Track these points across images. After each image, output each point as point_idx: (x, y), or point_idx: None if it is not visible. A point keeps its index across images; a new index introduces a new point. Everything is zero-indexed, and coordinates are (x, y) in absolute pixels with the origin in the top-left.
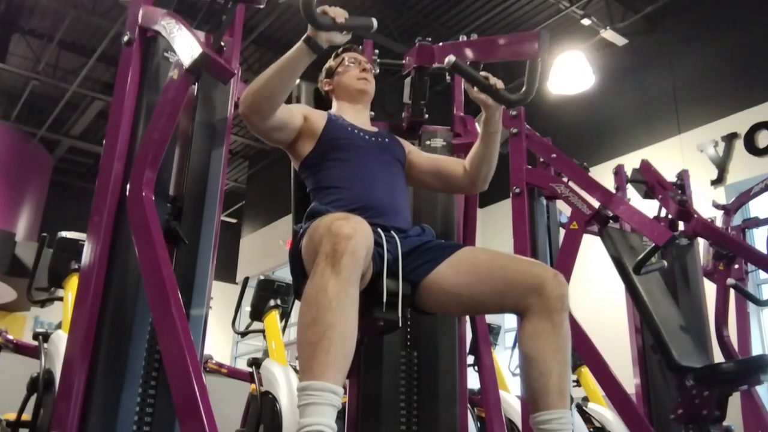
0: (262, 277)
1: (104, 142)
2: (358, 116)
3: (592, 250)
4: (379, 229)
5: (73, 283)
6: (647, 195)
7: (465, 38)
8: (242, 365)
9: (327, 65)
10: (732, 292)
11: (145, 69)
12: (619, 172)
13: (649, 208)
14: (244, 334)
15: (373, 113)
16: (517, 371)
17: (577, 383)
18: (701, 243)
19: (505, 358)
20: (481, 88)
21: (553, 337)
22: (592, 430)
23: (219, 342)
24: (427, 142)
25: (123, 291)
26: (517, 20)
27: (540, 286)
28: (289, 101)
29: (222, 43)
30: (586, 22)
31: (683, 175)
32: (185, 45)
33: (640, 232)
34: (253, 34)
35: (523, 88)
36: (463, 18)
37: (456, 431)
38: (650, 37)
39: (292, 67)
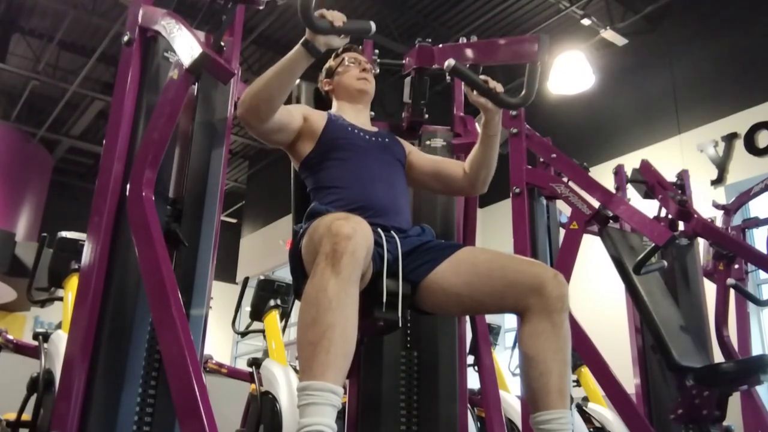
0: (262, 277)
1: (104, 142)
2: (358, 116)
3: (592, 250)
4: (379, 229)
5: (73, 283)
6: (647, 195)
7: (465, 40)
8: (242, 365)
9: (327, 65)
10: (732, 292)
11: (145, 69)
12: (619, 172)
13: (649, 208)
14: (244, 334)
15: (373, 113)
16: (517, 371)
17: (577, 383)
18: (701, 243)
19: (505, 358)
20: (481, 92)
21: (553, 337)
22: (592, 430)
23: (219, 342)
24: (427, 142)
25: (123, 291)
26: (517, 20)
27: (540, 286)
28: (289, 101)
29: (222, 43)
30: (586, 22)
31: (683, 175)
32: (185, 45)
33: (640, 232)
34: (253, 34)
35: (523, 92)
36: (463, 18)
37: (456, 431)
38: (650, 37)
39: (290, 71)
